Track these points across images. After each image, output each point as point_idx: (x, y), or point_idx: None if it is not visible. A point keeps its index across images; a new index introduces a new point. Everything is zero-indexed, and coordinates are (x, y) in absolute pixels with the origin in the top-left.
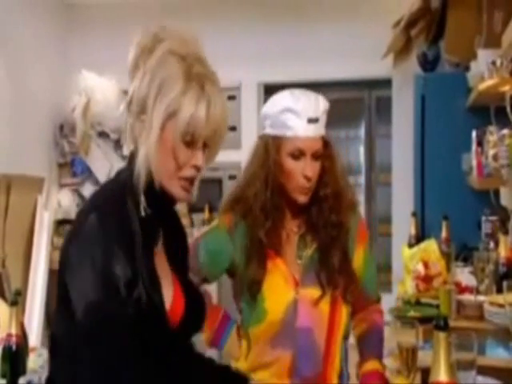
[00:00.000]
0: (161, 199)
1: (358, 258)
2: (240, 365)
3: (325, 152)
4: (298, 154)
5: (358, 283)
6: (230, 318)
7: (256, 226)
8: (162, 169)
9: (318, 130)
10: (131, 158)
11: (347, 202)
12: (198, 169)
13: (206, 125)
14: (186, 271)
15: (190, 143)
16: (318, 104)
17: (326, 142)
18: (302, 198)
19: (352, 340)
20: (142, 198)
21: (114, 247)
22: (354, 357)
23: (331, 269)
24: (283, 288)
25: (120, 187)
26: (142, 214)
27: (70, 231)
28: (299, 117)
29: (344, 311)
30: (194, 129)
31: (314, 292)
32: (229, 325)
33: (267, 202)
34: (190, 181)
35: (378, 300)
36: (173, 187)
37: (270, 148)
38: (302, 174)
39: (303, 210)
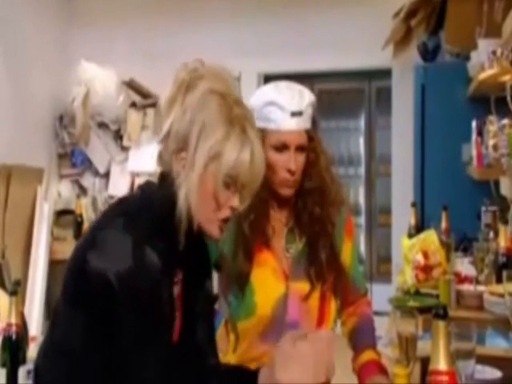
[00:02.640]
0: (194, 234)
1: (347, 252)
2: (228, 358)
3: (309, 145)
4: (281, 147)
5: (347, 277)
6: (218, 312)
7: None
8: (202, 209)
9: (301, 123)
10: (162, 181)
11: (332, 196)
12: (234, 210)
13: (249, 170)
14: (200, 299)
15: (230, 185)
16: (303, 97)
17: (310, 136)
18: (287, 192)
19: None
20: (182, 238)
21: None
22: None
23: (320, 265)
24: (273, 282)
25: (153, 216)
26: (181, 247)
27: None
28: (282, 110)
29: (332, 306)
30: (238, 173)
31: (303, 286)
32: (217, 319)
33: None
34: (225, 221)
35: (365, 293)
36: (211, 227)
37: None
38: (285, 167)
39: (290, 202)
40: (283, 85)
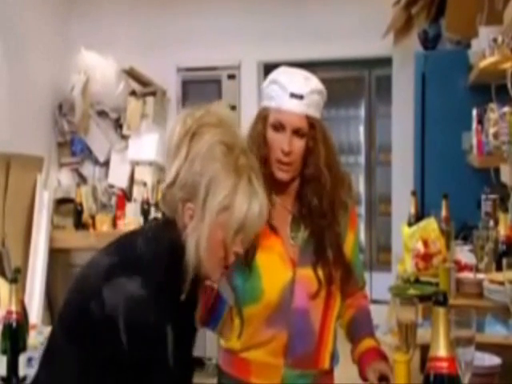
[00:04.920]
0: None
1: (348, 245)
2: (232, 344)
3: (310, 133)
4: (278, 127)
5: (352, 274)
6: (222, 298)
7: None
8: (211, 258)
9: (301, 107)
10: (168, 230)
11: (329, 188)
12: (237, 255)
13: (258, 220)
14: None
15: (238, 234)
16: (306, 83)
17: (311, 123)
18: (281, 175)
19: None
20: (187, 285)
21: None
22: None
23: (328, 266)
24: (280, 267)
25: (165, 271)
26: (183, 297)
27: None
28: (282, 89)
29: (338, 292)
30: (247, 224)
31: (310, 273)
32: (222, 305)
33: None
34: (227, 267)
35: (363, 286)
36: (215, 274)
37: (258, 119)
38: (279, 147)
39: (293, 188)
40: (291, 68)
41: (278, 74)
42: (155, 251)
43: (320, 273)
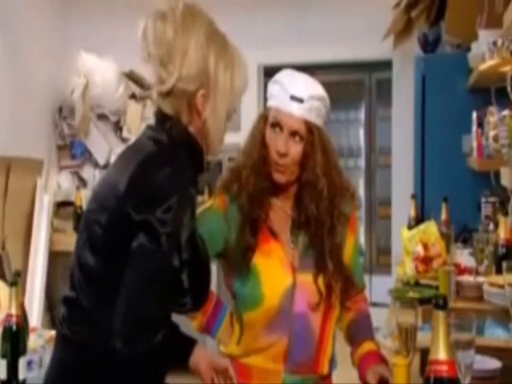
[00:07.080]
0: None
1: (348, 248)
2: (231, 349)
3: (308, 138)
4: (275, 126)
5: (352, 281)
6: (222, 304)
7: (243, 199)
8: (223, 127)
9: (300, 110)
10: (165, 123)
11: (325, 195)
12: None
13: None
14: None
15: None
16: (308, 87)
17: (310, 128)
18: (277, 176)
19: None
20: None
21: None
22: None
23: (328, 276)
24: (280, 273)
25: (181, 156)
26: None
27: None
28: (283, 90)
29: (338, 302)
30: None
31: (310, 279)
32: (222, 311)
33: (250, 173)
34: None
35: (363, 289)
36: (219, 147)
37: (260, 118)
38: (275, 148)
39: (292, 192)
40: (296, 72)
41: (281, 75)
42: (184, 144)
43: (321, 284)
